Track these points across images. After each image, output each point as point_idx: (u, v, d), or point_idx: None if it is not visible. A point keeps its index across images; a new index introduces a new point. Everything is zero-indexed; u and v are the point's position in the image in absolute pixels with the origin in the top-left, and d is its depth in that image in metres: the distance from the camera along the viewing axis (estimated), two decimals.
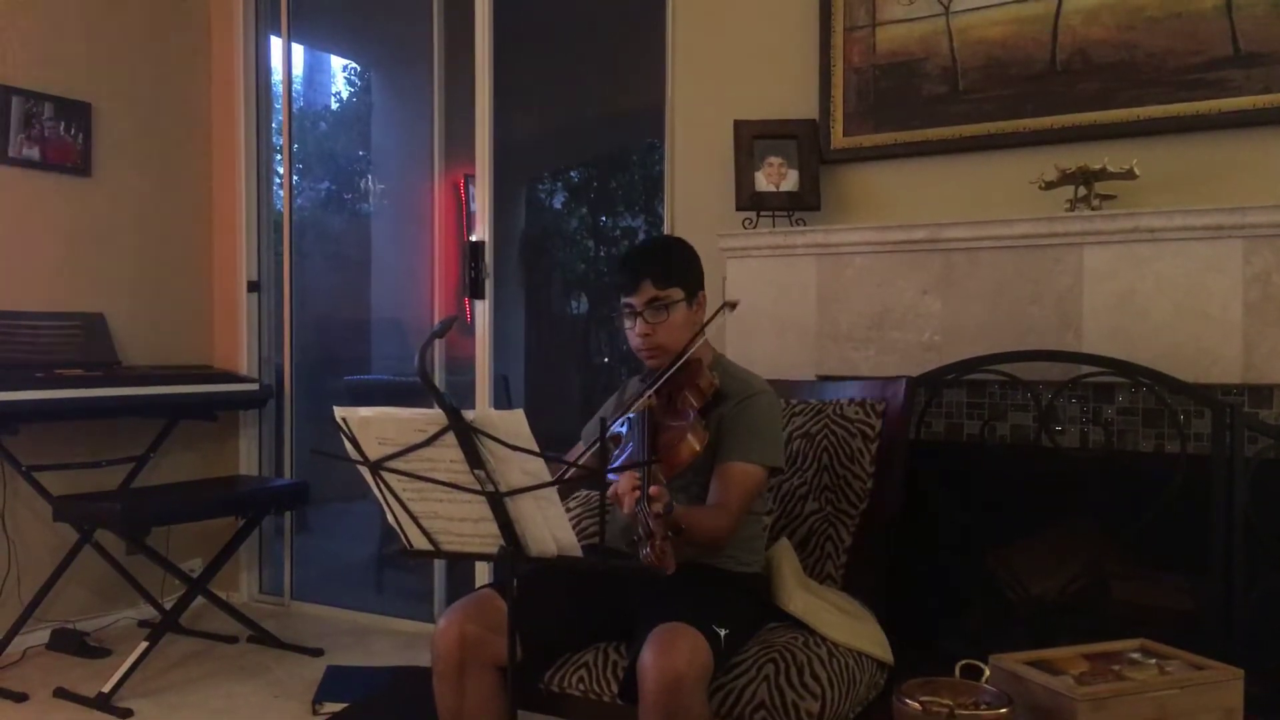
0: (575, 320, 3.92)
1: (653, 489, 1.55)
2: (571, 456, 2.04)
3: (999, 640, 1.89)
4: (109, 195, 3.60)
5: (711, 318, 1.99)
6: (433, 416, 1.45)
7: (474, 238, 3.51)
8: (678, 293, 1.97)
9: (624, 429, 1.86)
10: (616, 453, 1.83)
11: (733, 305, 2.00)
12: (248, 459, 3.97)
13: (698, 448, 1.78)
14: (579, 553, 1.54)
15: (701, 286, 2.04)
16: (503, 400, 3.45)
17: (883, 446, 2.25)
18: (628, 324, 2.00)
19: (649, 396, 1.85)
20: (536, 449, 1.43)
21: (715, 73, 3.01)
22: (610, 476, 1.72)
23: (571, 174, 3.94)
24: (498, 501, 1.50)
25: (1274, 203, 2.18)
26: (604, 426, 1.65)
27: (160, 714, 2.80)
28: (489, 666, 1.80)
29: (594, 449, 1.82)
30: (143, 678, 2.99)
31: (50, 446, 3.27)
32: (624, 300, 1.99)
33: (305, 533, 4.06)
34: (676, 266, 2.00)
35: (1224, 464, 2.13)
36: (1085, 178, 2.36)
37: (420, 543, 1.63)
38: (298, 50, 4.05)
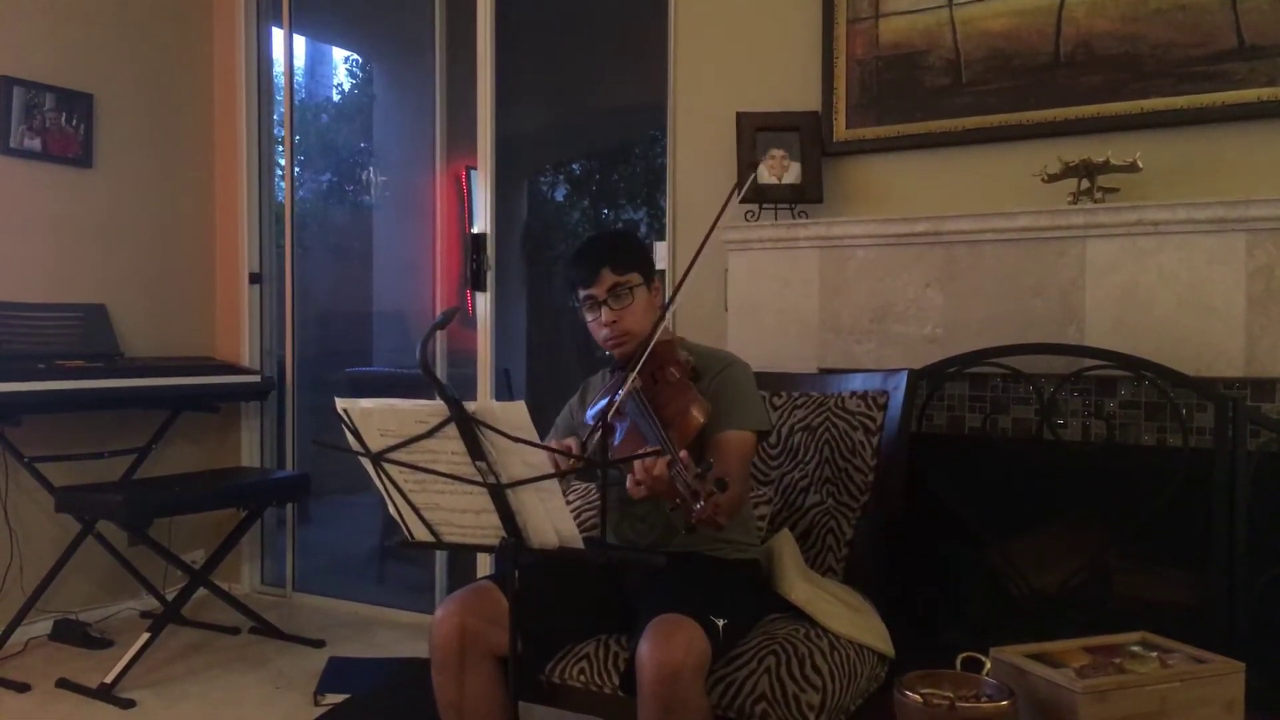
0: (577, 313, 3.91)
1: (682, 454, 1.55)
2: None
3: (1000, 633, 1.89)
4: (110, 186, 3.60)
5: (713, 224, 1.98)
6: (434, 408, 1.44)
7: (476, 230, 3.51)
8: (636, 277, 2.00)
9: (616, 423, 1.85)
10: (617, 438, 1.83)
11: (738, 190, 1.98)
12: (249, 451, 3.98)
13: (702, 418, 1.79)
14: (580, 544, 1.54)
15: (655, 271, 2.07)
16: (504, 393, 3.45)
17: (884, 439, 2.24)
18: (590, 317, 2.02)
19: (634, 378, 1.84)
20: (538, 441, 1.43)
21: (717, 65, 3.00)
22: (612, 471, 1.71)
23: (573, 166, 3.93)
24: (499, 493, 1.50)
25: (1277, 196, 2.17)
26: (602, 417, 1.64)
27: (162, 705, 2.80)
28: (488, 657, 1.81)
29: (593, 439, 1.81)
30: (145, 668, 3.00)
31: (52, 438, 3.28)
32: (585, 294, 2.00)
33: (307, 524, 4.07)
34: (631, 252, 2.03)
35: (1226, 458, 2.12)
36: (1088, 170, 2.36)
37: (422, 534, 1.63)
38: (299, 42, 4.04)
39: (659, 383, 1.87)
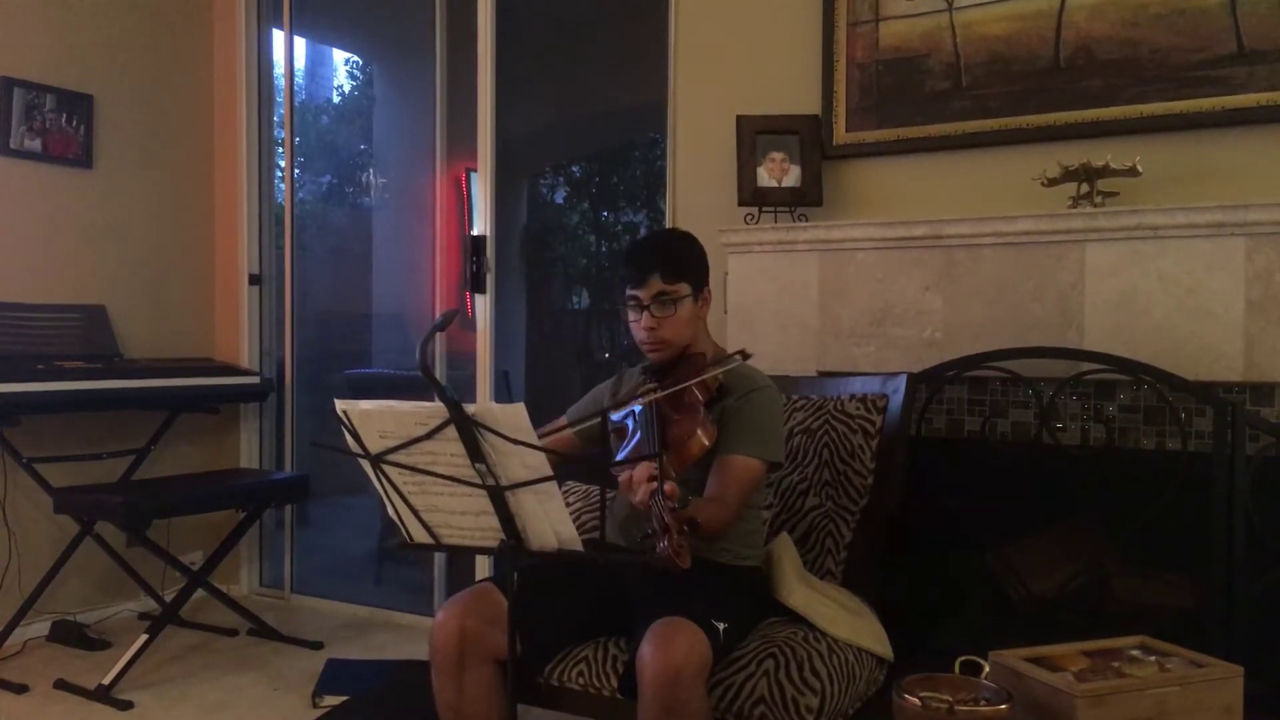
0: (576, 315, 3.91)
1: (668, 486, 1.54)
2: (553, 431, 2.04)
3: (999, 636, 1.89)
4: (110, 187, 3.60)
5: (726, 364, 1.95)
6: (434, 410, 1.45)
7: (475, 232, 3.51)
8: (685, 288, 1.96)
9: (629, 422, 1.85)
10: (623, 445, 1.83)
11: (746, 355, 1.95)
12: (248, 452, 3.98)
13: (707, 443, 1.77)
14: (580, 547, 1.54)
15: (707, 282, 2.03)
16: (504, 395, 3.45)
17: (883, 443, 2.24)
18: (632, 316, 1.99)
19: (654, 390, 1.84)
20: (538, 443, 1.43)
21: (717, 67, 3.01)
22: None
23: (573, 168, 3.93)
24: (498, 495, 1.50)
25: (1276, 200, 2.18)
26: (605, 417, 1.64)
27: (160, 706, 2.80)
28: (487, 660, 1.81)
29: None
30: (143, 670, 3.00)
31: (51, 438, 3.28)
32: (630, 293, 1.97)
33: (306, 526, 4.06)
34: (685, 261, 1.98)
35: (1225, 462, 2.13)
36: (1088, 175, 2.36)
37: (421, 536, 1.63)
38: (300, 43, 4.04)
39: (678, 398, 1.85)
